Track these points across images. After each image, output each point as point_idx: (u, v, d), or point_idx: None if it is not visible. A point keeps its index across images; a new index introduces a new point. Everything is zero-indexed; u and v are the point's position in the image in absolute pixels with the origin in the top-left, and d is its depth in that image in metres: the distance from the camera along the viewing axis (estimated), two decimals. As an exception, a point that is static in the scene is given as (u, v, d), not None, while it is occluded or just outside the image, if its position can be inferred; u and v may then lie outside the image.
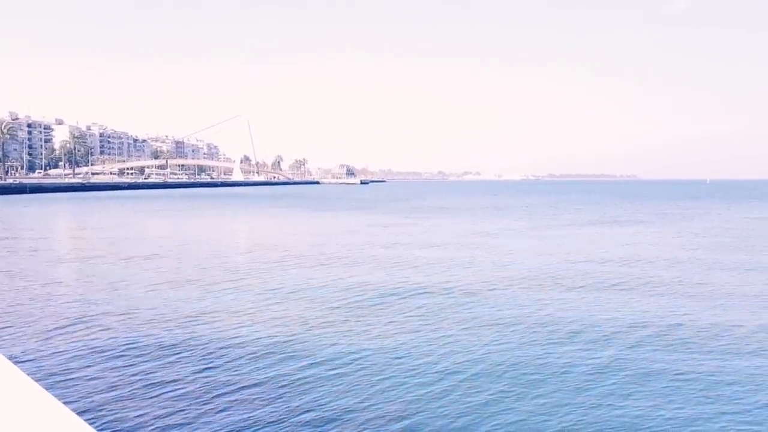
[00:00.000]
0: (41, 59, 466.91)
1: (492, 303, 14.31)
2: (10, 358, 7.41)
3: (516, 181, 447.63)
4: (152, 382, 8.79)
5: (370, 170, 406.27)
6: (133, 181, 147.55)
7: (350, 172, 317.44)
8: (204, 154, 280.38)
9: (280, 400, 8.16)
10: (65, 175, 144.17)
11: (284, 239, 29.68)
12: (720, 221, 42.33)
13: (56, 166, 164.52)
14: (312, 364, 9.67)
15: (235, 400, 8.16)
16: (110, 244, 26.57)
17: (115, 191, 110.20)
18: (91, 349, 10.44)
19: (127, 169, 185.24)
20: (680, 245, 26.83)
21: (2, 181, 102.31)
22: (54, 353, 10.17)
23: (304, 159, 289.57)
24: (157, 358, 9.93)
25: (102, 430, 7.16)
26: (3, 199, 72.72)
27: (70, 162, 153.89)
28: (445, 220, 42.82)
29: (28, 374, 3.14)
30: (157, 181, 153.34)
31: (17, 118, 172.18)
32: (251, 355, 10.08)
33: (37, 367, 9.43)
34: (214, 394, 8.34)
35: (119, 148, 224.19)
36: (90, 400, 8.12)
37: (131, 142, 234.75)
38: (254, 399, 8.21)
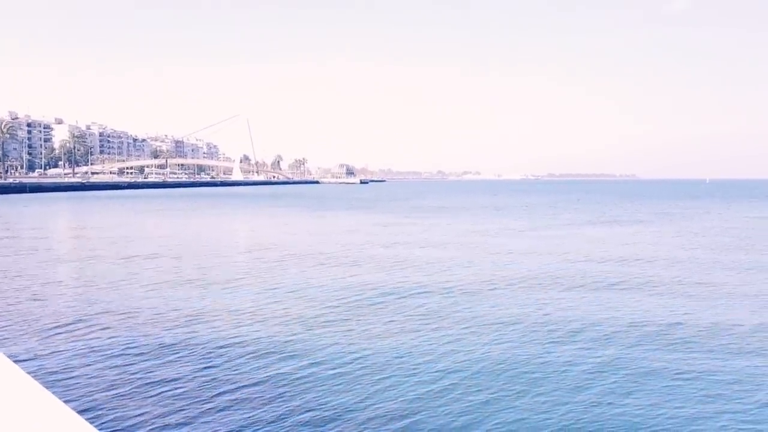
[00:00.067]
0: (41, 59, 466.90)
1: (492, 302, 14.31)
2: (11, 357, 7.41)
3: (516, 180, 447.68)
4: (152, 381, 8.80)
5: (369, 170, 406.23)
6: (132, 180, 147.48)
7: (350, 172, 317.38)
8: (203, 153, 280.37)
9: (280, 400, 8.16)
10: (65, 174, 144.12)
11: (284, 239, 29.68)
12: (720, 221, 42.36)
13: (56, 166, 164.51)
14: (312, 363, 9.68)
15: (235, 399, 8.16)
16: (110, 244, 26.58)
17: (115, 191, 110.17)
18: (92, 348, 10.44)
19: (127, 168, 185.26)
20: (680, 245, 26.84)
21: (2, 181, 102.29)
22: (54, 352, 10.18)
23: (303, 158, 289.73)
24: (158, 357, 9.93)
25: (102, 428, 7.16)
26: (3, 198, 72.71)
27: (70, 161, 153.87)
28: (445, 220, 42.83)
29: (28, 373, 3.14)
30: (156, 180, 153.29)
31: (17, 118, 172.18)
32: (251, 355, 10.08)
33: (38, 366, 9.43)
34: (214, 394, 8.35)
35: (119, 147, 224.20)
36: (90, 398, 8.13)
37: (131, 141, 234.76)
38: (254, 398, 8.21)
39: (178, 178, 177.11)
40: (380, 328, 11.90)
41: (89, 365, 9.51)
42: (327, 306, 13.83)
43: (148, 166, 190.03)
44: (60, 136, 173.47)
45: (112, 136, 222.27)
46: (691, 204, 68.87)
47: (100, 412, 7.67)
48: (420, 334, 11.39)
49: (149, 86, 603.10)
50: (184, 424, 7.39)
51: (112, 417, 7.54)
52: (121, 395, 8.27)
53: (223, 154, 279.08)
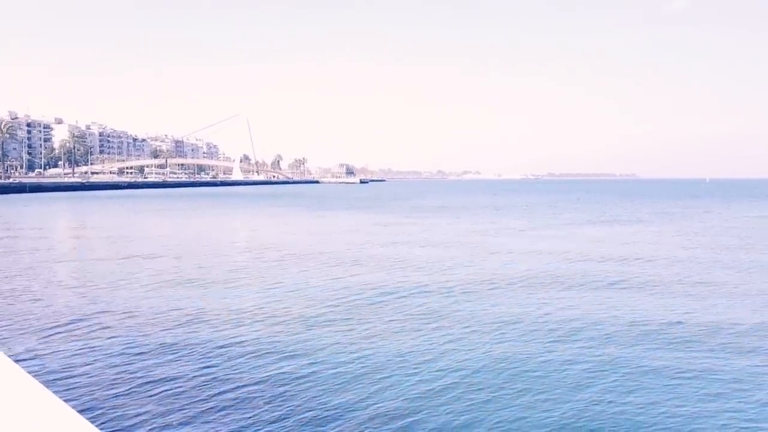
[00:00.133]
0: (41, 59, 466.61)
1: (492, 302, 14.32)
2: (12, 356, 7.42)
3: (516, 180, 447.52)
4: (153, 380, 8.80)
5: (369, 169, 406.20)
6: (132, 180, 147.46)
7: (350, 172, 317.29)
8: (203, 153, 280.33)
9: (280, 399, 8.16)
10: (64, 174, 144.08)
11: (284, 238, 29.69)
12: (720, 220, 42.36)
13: (56, 166, 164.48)
14: (312, 363, 9.68)
15: (235, 399, 8.16)
16: (110, 244, 26.58)
17: (115, 190, 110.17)
18: (92, 347, 10.45)
19: (127, 168, 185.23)
20: (680, 244, 26.84)
21: (2, 180, 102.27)
22: (55, 352, 10.18)
23: (303, 158, 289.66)
24: (158, 356, 9.94)
25: (103, 428, 7.16)
26: (3, 198, 72.71)
27: (70, 161, 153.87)
28: (445, 219, 42.83)
29: (29, 372, 3.14)
30: (156, 180, 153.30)
31: (17, 118, 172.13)
32: (251, 354, 10.08)
33: (39, 365, 9.44)
34: (214, 393, 8.35)
35: (119, 147, 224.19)
36: (91, 398, 8.13)
37: (131, 141, 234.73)
38: (254, 398, 8.21)
39: (178, 177, 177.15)
40: (380, 327, 11.90)
41: (89, 364, 9.51)
42: (327, 305, 13.83)
43: (148, 166, 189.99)
44: (60, 136, 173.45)
45: (112, 136, 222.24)
46: (691, 203, 68.88)
47: (100, 412, 7.68)
48: (420, 334, 11.40)
49: (149, 86, 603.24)
50: (185, 423, 7.39)
51: (112, 416, 7.55)
52: (122, 394, 8.27)
53: (223, 154, 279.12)
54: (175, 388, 8.53)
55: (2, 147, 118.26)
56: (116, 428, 7.24)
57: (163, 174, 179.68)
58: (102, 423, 7.30)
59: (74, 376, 8.98)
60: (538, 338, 11.13)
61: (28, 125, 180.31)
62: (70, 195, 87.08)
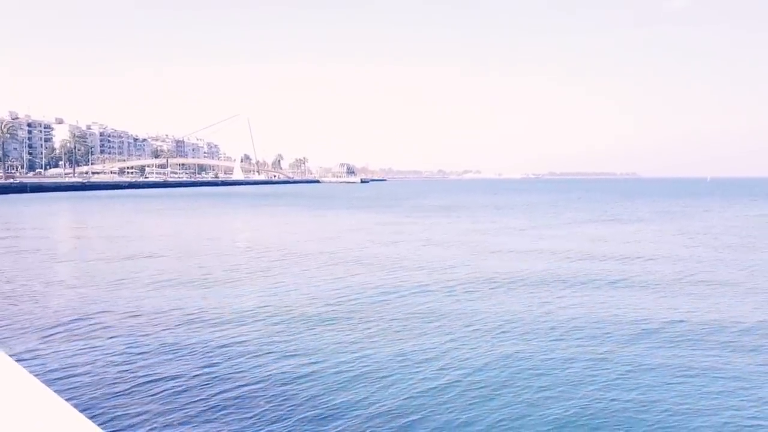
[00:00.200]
0: (41, 59, 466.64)
1: (493, 300, 14.31)
2: (13, 356, 7.42)
3: (516, 179, 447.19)
4: (154, 379, 8.81)
5: (370, 169, 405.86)
6: (133, 180, 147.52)
7: (350, 171, 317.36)
8: (204, 153, 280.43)
9: (280, 399, 8.16)
10: (65, 174, 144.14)
11: (285, 238, 29.69)
12: (721, 219, 42.32)
13: (56, 166, 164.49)
14: (312, 362, 9.68)
15: (235, 399, 8.17)
16: (111, 243, 26.59)
17: (116, 190, 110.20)
18: (93, 347, 10.45)
19: (128, 168, 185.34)
20: (681, 243, 26.83)
21: (3, 180, 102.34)
22: (56, 351, 10.19)
23: (304, 158, 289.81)
24: (158, 355, 9.94)
25: (105, 427, 7.16)
26: (3, 198, 72.75)
27: (71, 161, 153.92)
28: (446, 219, 42.82)
29: (30, 372, 3.14)
30: (157, 180, 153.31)
31: (17, 118, 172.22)
32: (252, 353, 10.08)
33: (40, 364, 9.44)
34: (214, 392, 8.35)
35: (119, 147, 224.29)
36: (92, 397, 8.13)
37: (131, 141, 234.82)
38: (255, 397, 8.21)
39: (178, 177, 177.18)
40: (382, 326, 11.90)
41: (90, 364, 9.52)
42: (328, 305, 13.83)
43: (148, 166, 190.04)
44: (60, 136, 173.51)
45: (113, 136, 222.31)
46: (692, 202, 68.83)
47: (102, 411, 7.68)
48: (421, 333, 11.39)
49: (149, 86, 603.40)
50: (186, 422, 7.39)
51: (114, 415, 7.55)
52: (123, 393, 8.27)
53: (224, 154, 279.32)
54: (176, 387, 8.53)
55: (3, 147, 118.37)
56: (118, 427, 7.25)
57: (164, 174, 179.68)
58: (103, 422, 7.30)
59: (75, 376, 8.98)
60: (539, 337, 11.12)
61: (29, 125, 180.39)
62: (71, 195, 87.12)
